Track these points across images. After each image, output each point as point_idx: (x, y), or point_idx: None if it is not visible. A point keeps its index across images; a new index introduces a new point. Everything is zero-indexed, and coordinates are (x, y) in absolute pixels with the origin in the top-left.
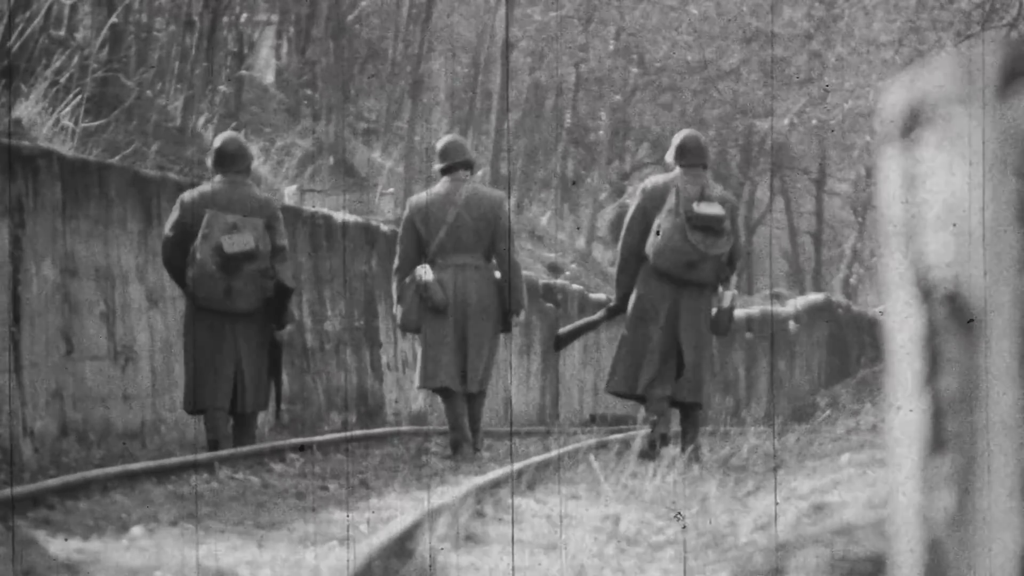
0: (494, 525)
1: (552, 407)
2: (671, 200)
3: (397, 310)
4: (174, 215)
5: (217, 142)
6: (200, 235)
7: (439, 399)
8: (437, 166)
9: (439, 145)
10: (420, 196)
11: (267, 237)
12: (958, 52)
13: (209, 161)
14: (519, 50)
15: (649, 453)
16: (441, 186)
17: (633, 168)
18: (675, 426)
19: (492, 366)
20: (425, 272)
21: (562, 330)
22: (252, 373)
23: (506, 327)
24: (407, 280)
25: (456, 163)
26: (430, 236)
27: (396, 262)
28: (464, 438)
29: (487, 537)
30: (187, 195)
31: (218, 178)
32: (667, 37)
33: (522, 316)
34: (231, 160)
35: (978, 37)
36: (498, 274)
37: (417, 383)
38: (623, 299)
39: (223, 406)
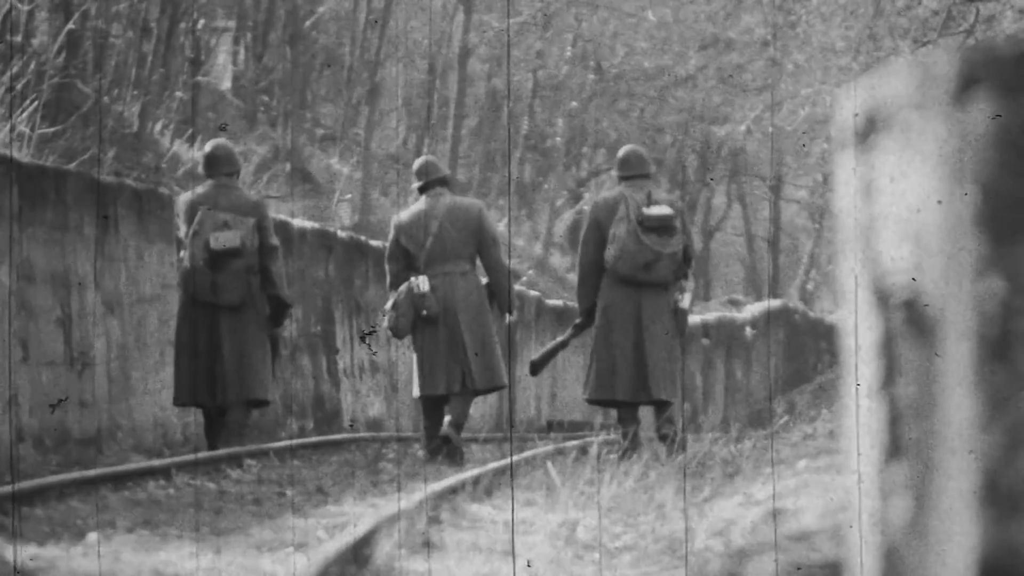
0: (450, 531)
1: (509, 413)
2: (622, 209)
3: (389, 316)
4: (179, 220)
5: (207, 147)
6: (191, 231)
7: (420, 407)
8: (414, 185)
9: (415, 166)
10: (401, 215)
11: (255, 236)
12: (915, 58)
13: (200, 167)
14: (476, 56)
15: (628, 453)
16: (420, 203)
17: (590, 174)
18: (648, 431)
19: (497, 360)
20: (422, 283)
21: (535, 356)
22: (233, 364)
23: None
24: (401, 288)
25: (432, 180)
26: (417, 249)
27: (388, 279)
28: (439, 447)
29: (443, 543)
30: (183, 197)
31: (208, 182)
32: (624, 44)
33: (515, 315)
34: (220, 164)
35: (935, 44)
36: (484, 279)
37: (416, 392)
38: (587, 313)
39: (205, 402)
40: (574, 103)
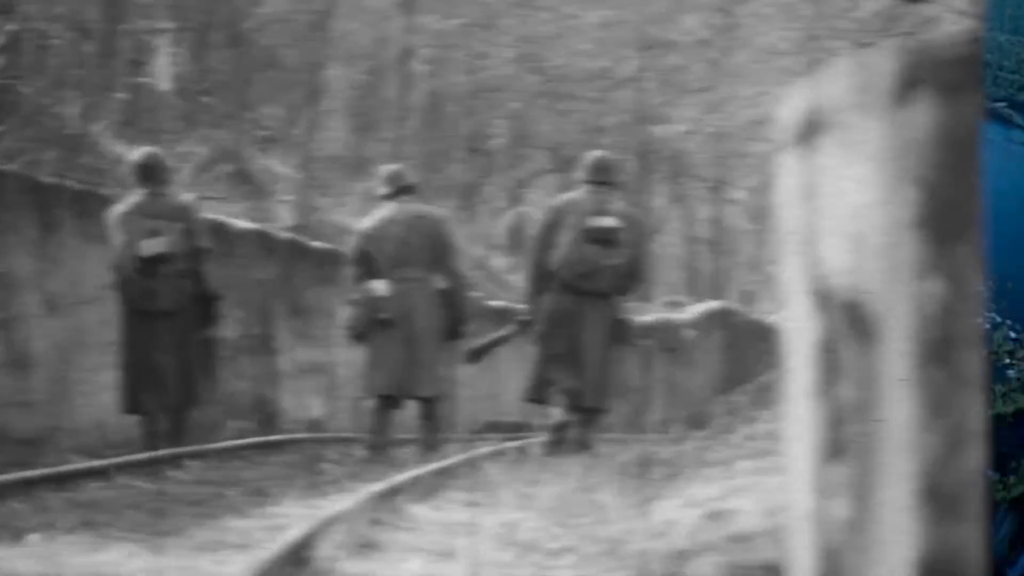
0: (391, 532)
1: (449, 414)
2: (571, 217)
3: (347, 317)
4: (113, 232)
5: (136, 157)
6: (123, 242)
7: (365, 408)
8: (382, 191)
9: (384, 173)
10: (367, 223)
11: (184, 241)
12: (856, 60)
13: (130, 176)
14: (418, 58)
15: (554, 451)
16: (386, 211)
17: (531, 175)
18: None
19: (444, 370)
20: (379, 287)
21: (475, 344)
22: (176, 369)
23: (454, 335)
24: (360, 290)
25: (400, 188)
26: (380, 254)
27: (352, 283)
28: (382, 444)
29: (384, 544)
30: (115, 210)
31: (139, 191)
32: (566, 45)
33: (469, 326)
34: (150, 173)
35: (876, 45)
36: (443, 285)
37: (362, 390)
38: (533, 311)
39: (150, 408)
40: (515, 104)
